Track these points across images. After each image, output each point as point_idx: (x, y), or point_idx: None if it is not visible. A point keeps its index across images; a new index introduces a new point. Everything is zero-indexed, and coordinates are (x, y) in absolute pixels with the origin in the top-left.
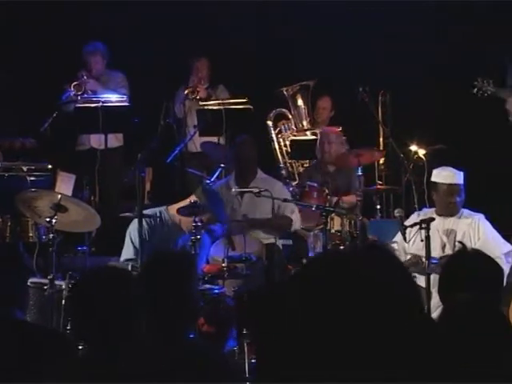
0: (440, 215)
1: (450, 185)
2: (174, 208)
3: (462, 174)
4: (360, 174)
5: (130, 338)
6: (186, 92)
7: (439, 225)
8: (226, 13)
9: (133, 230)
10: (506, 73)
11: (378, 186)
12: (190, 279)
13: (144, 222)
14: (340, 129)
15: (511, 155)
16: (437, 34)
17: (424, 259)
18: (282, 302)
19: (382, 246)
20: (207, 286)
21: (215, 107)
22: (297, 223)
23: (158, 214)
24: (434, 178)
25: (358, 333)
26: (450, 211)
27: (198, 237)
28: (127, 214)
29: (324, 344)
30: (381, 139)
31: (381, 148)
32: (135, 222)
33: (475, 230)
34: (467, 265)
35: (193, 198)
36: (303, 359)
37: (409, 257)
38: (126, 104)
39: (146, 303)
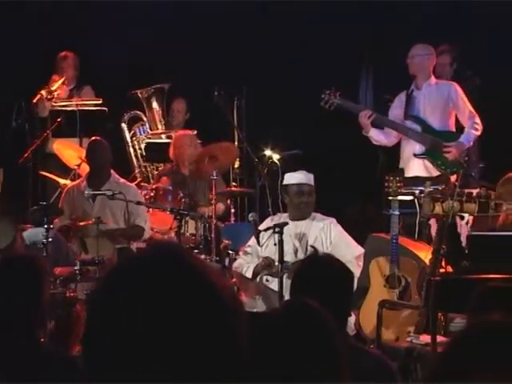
0: (293, 220)
1: (300, 185)
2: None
3: (312, 175)
4: (215, 177)
5: None
6: (43, 93)
7: (291, 229)
8: (85, 9)
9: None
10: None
11: (233, 189)
12: (40, 281)
13: None
14: (195, 132)
15: (365, 160)
16: (290, 35)
17: (277, 262)
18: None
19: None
20: (59, 288)
21: (69, 108)
22: (147, 233)
23: None
24: (285, 182)
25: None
26: (301, 213)
27: (50, 239)
28: None
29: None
30: (236, 143)
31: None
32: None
33: (327, 234)
34: (318, 269)
35: None
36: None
37: (261, 259)
38: None
39: None
